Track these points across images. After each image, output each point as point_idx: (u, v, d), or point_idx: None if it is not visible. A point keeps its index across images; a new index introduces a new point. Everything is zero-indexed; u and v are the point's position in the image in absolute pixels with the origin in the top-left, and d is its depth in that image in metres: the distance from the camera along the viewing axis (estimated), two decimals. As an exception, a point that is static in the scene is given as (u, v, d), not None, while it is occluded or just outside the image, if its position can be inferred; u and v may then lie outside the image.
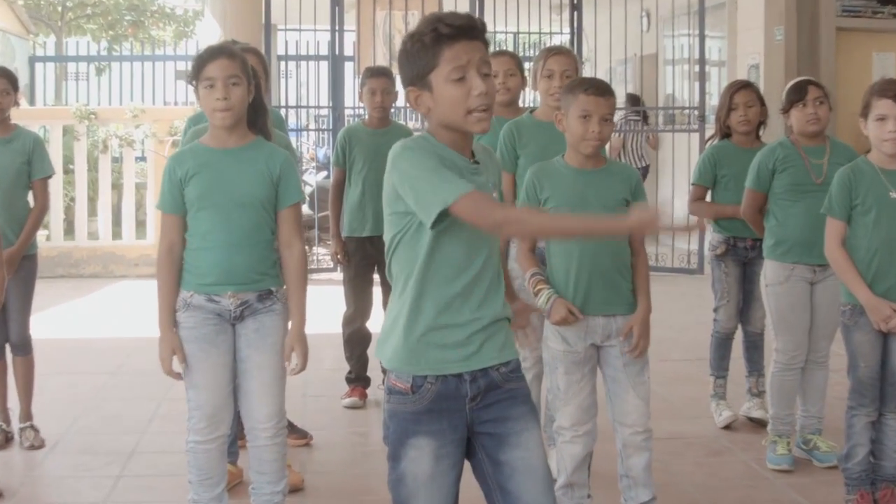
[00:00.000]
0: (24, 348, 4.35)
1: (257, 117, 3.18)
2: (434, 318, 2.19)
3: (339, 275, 5.89)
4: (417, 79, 2.17)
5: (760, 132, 4.55)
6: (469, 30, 2.14)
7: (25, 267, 4.29)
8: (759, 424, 4.45)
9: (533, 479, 2.20)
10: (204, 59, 3.01)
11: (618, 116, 9.98)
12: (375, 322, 4.88)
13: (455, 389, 2.20)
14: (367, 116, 5.09)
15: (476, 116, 2.14)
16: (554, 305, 3.10)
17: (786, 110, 4.06)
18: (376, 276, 5.02)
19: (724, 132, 4.53)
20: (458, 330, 2.19)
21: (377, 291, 5.06)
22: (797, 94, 4.01)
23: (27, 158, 4.31)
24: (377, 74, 5.00)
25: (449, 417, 2.21)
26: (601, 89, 3.09)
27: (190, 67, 3.09)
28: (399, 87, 2.58)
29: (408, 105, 2.76)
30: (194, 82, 3.04)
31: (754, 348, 4.62)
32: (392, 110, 5.39)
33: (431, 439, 2.20)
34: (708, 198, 4.58)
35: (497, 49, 5.27)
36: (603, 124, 3.07)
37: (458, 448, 2.23)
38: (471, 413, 2.22)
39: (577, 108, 3.08)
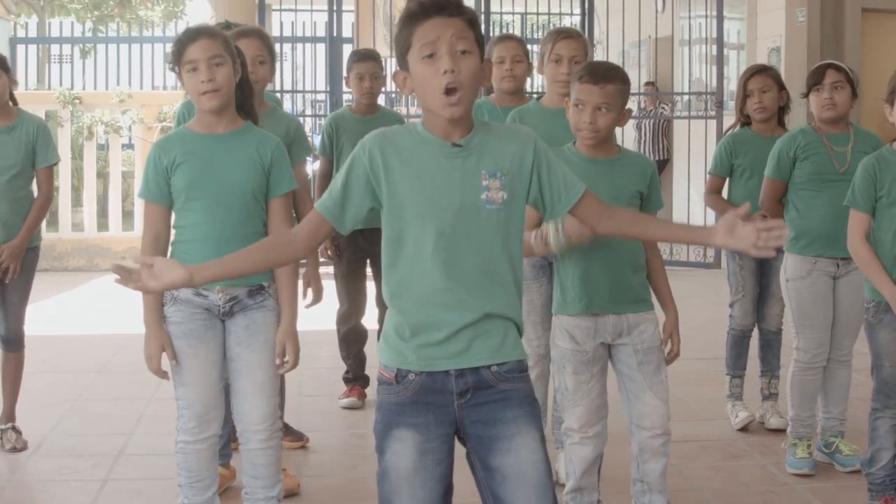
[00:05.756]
0: (16, 343, 4.38)
1: (244, 99, 3.18)
2: (414, 316, 2.22)
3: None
4: (401, 60, 2.24)
5: (784, 118, 4.56)
6: (443, 6, 2.18)
7: (26, 259, 4.32)
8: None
9: (524, 487, 2.21)
10: (184, 42, 3.00)
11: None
12: (371, 318, 4.89)
13: (441, 384, 2.23)
14: (354, 103, 5.08)
15: (444, 101, 2.17)
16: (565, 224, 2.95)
17: (805, 95, 4.08)
18: (369, 271, 5.01)
19: (744, 120, 4.55)
20: (441, 328, 2.22)
21: (371, 286, 5.05)
22: (814, 78, 4.02)
23: (31, 147, 4.31)
24: (364, 58, 4.96)
25: (435, 411, 2.23)
26: (596, 76, 3.04)
27: (170, 52, 3.08)
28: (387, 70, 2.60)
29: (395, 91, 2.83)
30: (177, 68, 3.03)
31: (769, 347, 4.64)
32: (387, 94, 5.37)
33: (415, 432, 2.23)
34: (726, 187, 4.60)
35: (504, 32, 5.26)
36: (597, 114, 3.03)
37: (444, 444, 2.25)
38: (459, 410, 2.24)
39: (572, 97, 3.08)
